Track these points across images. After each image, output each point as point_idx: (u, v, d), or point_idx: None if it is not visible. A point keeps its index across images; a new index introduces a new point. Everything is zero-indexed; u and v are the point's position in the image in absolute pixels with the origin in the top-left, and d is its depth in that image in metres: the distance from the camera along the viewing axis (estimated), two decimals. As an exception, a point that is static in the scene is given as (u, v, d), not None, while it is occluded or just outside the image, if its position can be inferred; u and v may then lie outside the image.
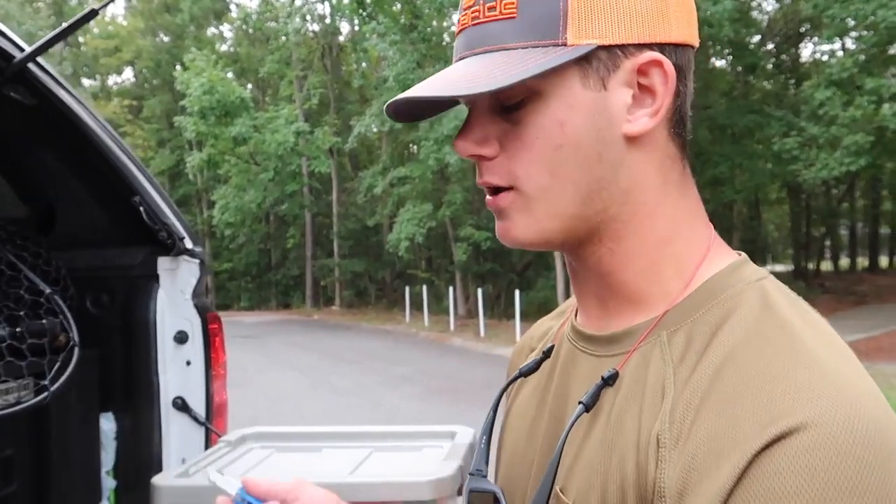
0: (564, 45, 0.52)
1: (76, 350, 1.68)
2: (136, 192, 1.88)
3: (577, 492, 0.54)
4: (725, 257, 0.57)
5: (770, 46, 18.44)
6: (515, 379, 0.67)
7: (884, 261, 27.96)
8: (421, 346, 13.06)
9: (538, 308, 13.74)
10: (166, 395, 1.93)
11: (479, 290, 14.56)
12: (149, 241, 1.95)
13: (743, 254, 0.59)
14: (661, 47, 0.54)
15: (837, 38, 14.11)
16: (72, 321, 1.71)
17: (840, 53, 14.68)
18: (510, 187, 0.56)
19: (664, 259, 0.56)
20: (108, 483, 1.97)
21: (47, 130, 1.94)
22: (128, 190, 1.88)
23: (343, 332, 16.11)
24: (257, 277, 26.79)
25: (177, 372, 1.95)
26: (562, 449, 0.54)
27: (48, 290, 1.71)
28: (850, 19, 11.59)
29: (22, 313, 1.65)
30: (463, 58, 0.56)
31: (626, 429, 0.52)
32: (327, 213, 23.75)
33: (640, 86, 0.54)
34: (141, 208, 1.86)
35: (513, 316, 12.73)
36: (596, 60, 0.53)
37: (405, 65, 14.63)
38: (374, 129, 17.82)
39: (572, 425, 0.54)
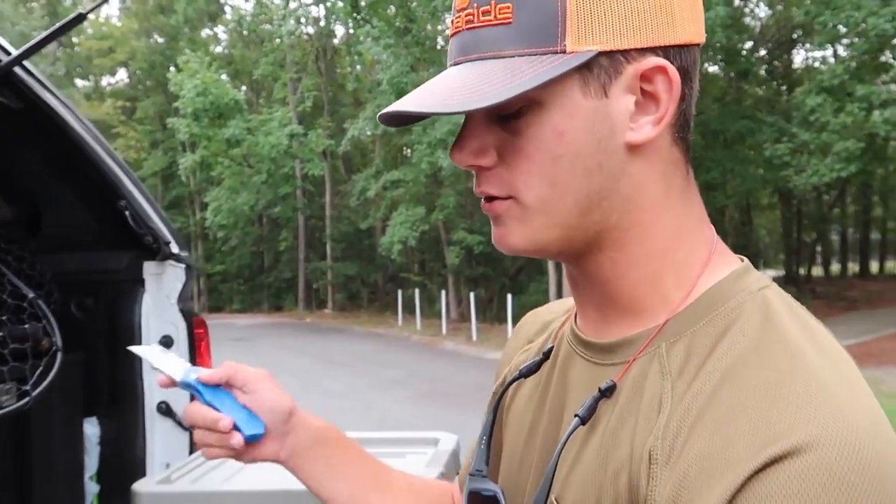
0: (563, 52, 0.50)
1: (59, 355, 1.67)
2: (121, 197, 1.87)
3: (573, 503, 0.53)
4: (728, 264, 0.55)
5: (762, 52, 18.55)
6: (515, 380, 0.66)
7: (874, 266, 28.11)
8: (413, 349, 13.05)
9: (530, 312, 13.73)
10: (151, 400, 1.93)
11: (472, 294, 14.56)
12: (135, 246, 1.95)
13: (745, 259, 0.57)
14: (665, 51, 0.51)
15: (829, 45, 14.22)
16: (55, 326, 1.70)
17: (831, 60, 14.79)
18: (508, 196, 0.54)
19: (665, 268, 0.55)
20: (91, 488, 1.97)
21: (33, 134, 1.94)
22: (114, 194, 1.88)
23: (335, 335, 16.08)
24: (249, 280, 26.72)
25: (162, 377, 1.94)
26: (557, 461, 0.54)
27: (31, 295, 1.70)
28: (841, 26, 11.67)
29: (4, 318, 1.65)
30: (458, 63, 0.54)
31: (621, 442, 0.51)
32: (320, 215, 23.72)
33: (643, 91, 0.52)
34: (126, 212, 1.86)
35: (505, 320, 12.75)
36: (597, 67, 0.51)
37: (399, 68, 14.64)
38: (368, 133, 17.81)
39: (568, 438, 0.54)
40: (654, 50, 0.51)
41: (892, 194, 24.74)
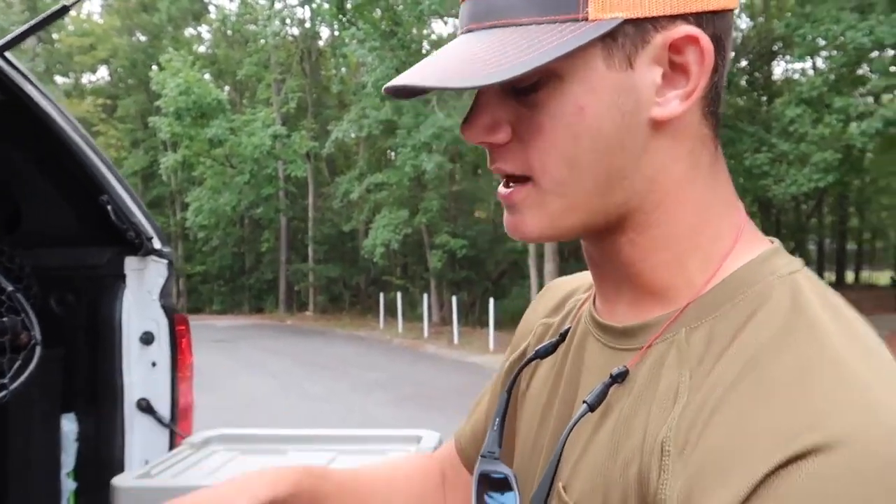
0: (586, 19, 0.46)
1: (38, 349, 1.65)
2: (104, 191, 1.86)
3: (581, 493, 0.50)
4: (756, 246, 0.52)
5: (743, 63, 18.79)
6: (531, 361, 0.63)
7: (850, 276, 28.53)
8: (394, 352, 13.02)
9: (512, 317, 13.77)
10: (131, 397, 1.91)
11: (454, 298, 14.56)
12: (116, 241, 1.93)
13: (776, 240, 0.54)
14: (697, 17, 0.47)
15: (808, 58, 14.44)
16: (34, 320, 1.69)
17: (811, 72, 15.03)
18: (525, 177, 0.50)
19: (690, 250, 0.51)
20: (69, 485, 1.94)
21: (15, 127, 1.92)
22: (96, 189, 1.86)
23: (316, 337, 16.00)
24: (230, 281, 26.49)
25: (142, 373, 1.93)
26: (562, 449, 0.51)
27: (10, 288, 1.68)
28: (820, 39, 11.86)
29: (-17, 311, 1.63)
30: (470, 30, 0.49)
31: (633, 432, 0.48)
32: (303, 217, 23.60)
33: (671, 63, 0.47)
34: (109, 207, 1.85)
35: (487, 324, 12.76)
36: (622, 36, 0.46)
37: (384, 71, 14.64)
38: (352, 135, 17.78)
39: (574, 424, 0.51)
40: (685, 17, 0.47)
41: (867, 205, 25.15)
